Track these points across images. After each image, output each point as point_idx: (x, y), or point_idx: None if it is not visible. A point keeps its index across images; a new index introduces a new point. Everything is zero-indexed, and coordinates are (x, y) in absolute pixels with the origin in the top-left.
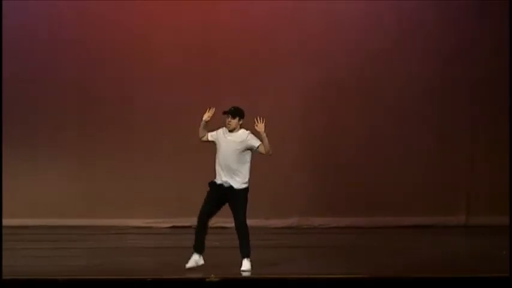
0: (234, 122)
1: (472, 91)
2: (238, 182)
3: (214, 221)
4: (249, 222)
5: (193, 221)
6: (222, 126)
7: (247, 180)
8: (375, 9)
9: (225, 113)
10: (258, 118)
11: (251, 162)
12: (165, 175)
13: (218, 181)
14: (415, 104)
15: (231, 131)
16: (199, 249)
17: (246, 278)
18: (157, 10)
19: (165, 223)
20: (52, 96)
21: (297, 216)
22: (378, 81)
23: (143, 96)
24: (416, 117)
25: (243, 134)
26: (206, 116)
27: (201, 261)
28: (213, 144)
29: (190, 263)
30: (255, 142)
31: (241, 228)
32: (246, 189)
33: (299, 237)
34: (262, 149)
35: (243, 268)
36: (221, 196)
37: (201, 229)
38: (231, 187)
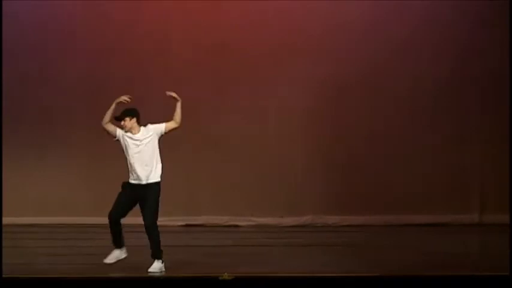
0: (129, 123)
1: (485, 90)
2: (154, 176)
3: (227, 220)
4: (264, 220)
5: (205, 219)
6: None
7: (160, 173)
8: (386, 8)
9: (117, 119)
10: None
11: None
12: (178, 173)
13: (132, 181)
14: (428, 103)
15: (130, 132)
16: (121, 243)
17: (258, 276)
18: (171, 8)
19: (177, 221)
20: (63, 95)
21: (310, 215)
22: (390, 80)
23: (156, 95)
24: (429, 116)
25: (146, 129)
26: (124, 98)
27: (124, 255)
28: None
29: (111, 259)
30: (160, 126)
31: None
32: (159, 183)
33: (312, 236)
34: (171, 124)
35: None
36: (136, 196)
37: (118, 225)
38: (147, 184)
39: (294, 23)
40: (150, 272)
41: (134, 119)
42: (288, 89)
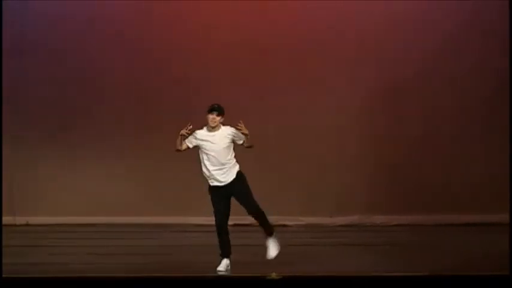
0: (218, 119)
1: None
2: (234, 171)
3: (275, 219)
4: (312, 220)
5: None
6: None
7: (237, 165)
8: (435, 8)
9: (211, 110)
10: (240, 123)
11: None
12: None
13: (215, 183)
14: (476, 104)
15: (213, 127)
16: (229, 252)
17: (306, 276)
18: (212, 9)
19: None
20: (111, 96)
21: (358, 214)
22: (438, 81)
23: (203, 96)
24: (475, 117)
25: (228, 129)
26: (184, 131)
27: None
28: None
29: (224, 267)
30: (239, 135)
31: (259, 211)
32: (241, 173)
33: (360, 235)
34: (240, 142)
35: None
36: (226, 194)
37: (226, 235)
38: (232, 181)
39: (347, 25)
40: (271, 243)
41: (222, 118)
42: (341, 88)
